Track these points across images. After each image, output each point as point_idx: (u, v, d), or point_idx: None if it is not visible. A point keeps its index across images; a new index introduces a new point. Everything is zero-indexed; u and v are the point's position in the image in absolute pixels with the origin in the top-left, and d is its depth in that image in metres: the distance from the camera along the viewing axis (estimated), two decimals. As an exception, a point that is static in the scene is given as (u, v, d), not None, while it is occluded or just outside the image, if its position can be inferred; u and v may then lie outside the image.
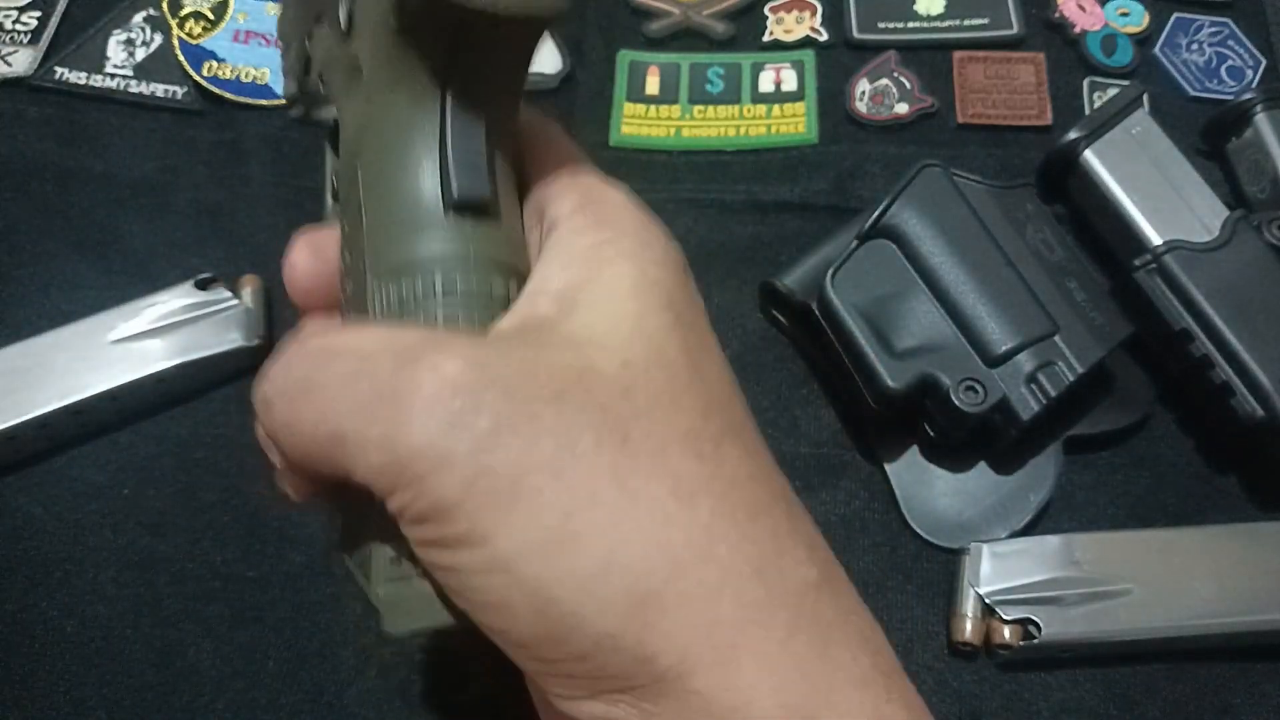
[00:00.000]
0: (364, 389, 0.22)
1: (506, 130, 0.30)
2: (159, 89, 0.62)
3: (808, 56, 0.65)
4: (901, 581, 0.49)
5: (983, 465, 0.51)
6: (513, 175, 0.30)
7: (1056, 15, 0.65)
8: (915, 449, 0.51)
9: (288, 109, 0.47)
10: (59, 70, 0.62)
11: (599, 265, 0.25)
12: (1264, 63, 0.64)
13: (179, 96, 0.62)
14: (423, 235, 0.27)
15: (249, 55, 0.64)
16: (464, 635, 0.25)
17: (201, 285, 0.53)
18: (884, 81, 0.63)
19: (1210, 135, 0.59)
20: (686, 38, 0.66)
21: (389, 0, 0.26)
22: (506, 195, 0.29)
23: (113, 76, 0.63)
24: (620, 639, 0.21)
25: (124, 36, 0.64)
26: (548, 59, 0.64)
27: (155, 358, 0.51)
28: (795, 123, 0.62)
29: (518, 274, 0.28)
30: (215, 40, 0.64)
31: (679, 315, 0.24)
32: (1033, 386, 0.47)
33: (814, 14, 0.66)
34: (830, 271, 0.49)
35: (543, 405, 0.21)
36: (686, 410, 0.23)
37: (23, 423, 0.49)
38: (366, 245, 0.28)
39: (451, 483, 0.21)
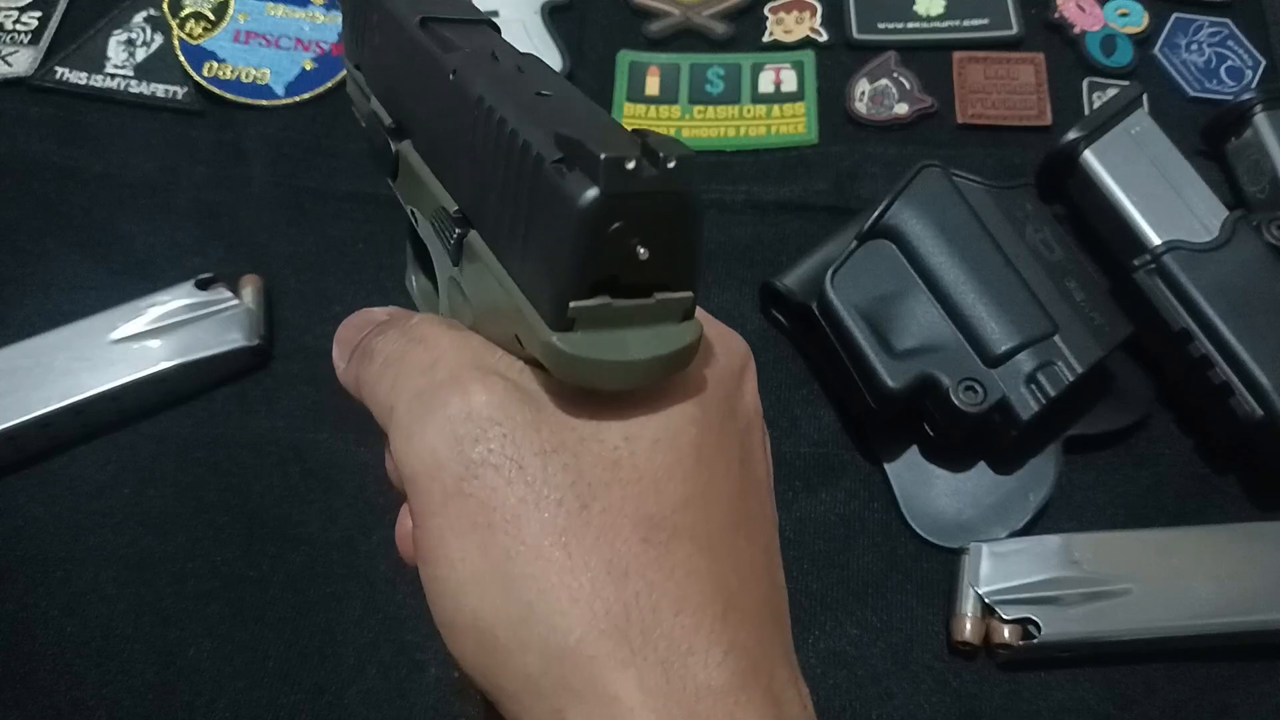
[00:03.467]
0: (421, 383, 0.25)
1: None
2: (159, 89, 0.62)
3: (807, 57, 0.65)
4: (901, 581, 0.49)
5: (982, 465, 0.51)
6: None
7: (1056, 15, 0.65)
8: (915, 449, 0.51)
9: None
10: (59, 70, 0.62)
11: None
12: (1263, 63, 0.64)
13: (179, 97, 0.62)
14: None
15: (249, 55, 0.64)
16: None
17: (202, 285, 0.53)
18: (884, 82, 0.63)
19: (1210, 135, 0.59)
20: (686, 38, 0.66)
21: (538, 353, 0.25)
22: None
23: (113, 77, 0.63)
24: (540, 684, 0.23)
25: (124, 37, 0.64)
26: (548, 60, 0.64)
27: (156, 357, 0.51)
28: (795, 123, 0.62)
29: None
30: (216, 40, 0.64)
31: (708, 415, 0.26)
32: (1032, 386, 0.47)
33: (814, 14, 0.66)
34: (830, 272, 0.49)
35: (532, 457, 0.23)
36: (663, 497, 0.24)
37: (24, 422, 0.49)
38: None
39: (435, 491, 0.24)
